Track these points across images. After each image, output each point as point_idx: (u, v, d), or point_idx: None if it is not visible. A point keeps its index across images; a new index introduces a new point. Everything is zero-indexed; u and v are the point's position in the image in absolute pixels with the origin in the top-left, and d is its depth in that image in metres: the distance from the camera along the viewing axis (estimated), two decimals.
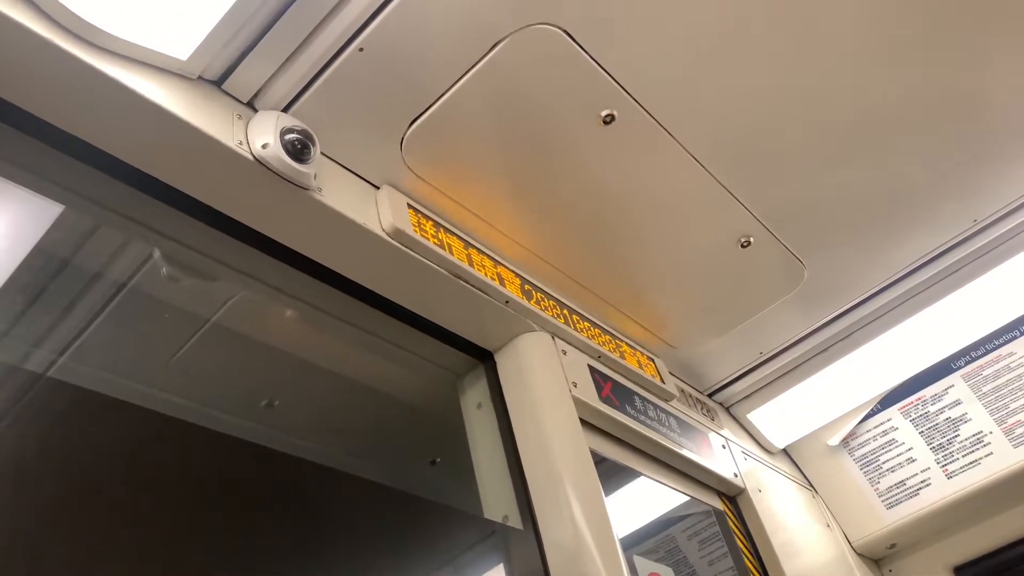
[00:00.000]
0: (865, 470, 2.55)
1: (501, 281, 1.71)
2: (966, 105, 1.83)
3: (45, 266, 1.44)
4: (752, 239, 1.95)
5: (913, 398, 2.54)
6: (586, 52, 1.47)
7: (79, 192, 1.30)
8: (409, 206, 1.59)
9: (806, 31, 1.57)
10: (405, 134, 1.52)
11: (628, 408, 1.88)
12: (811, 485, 2.63)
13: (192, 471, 1.16)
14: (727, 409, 2.55)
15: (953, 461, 2.41)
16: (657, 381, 2.07)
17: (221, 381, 1.75)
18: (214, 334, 1.61)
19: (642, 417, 1.91)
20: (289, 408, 1.81)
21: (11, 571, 0.87)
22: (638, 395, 1.98)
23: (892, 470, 2.50)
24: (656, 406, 2.02)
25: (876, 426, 2.58)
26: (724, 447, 2.25)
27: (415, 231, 1.54)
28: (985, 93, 1.82)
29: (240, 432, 1.28)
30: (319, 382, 1.82)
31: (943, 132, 1.87)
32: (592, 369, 1.86)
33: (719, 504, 2.12)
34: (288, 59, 1.37)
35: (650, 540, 2.25)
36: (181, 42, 1.24)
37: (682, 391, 2.32)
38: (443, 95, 1.47)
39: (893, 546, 2.51)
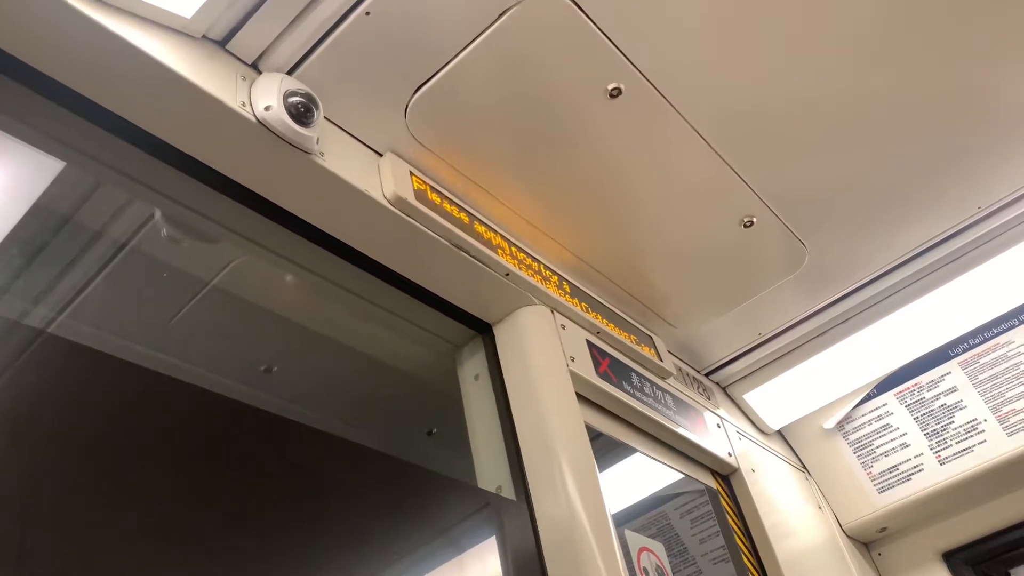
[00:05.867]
0: (859, 454, 2.56)
1: (502, 253, 1.71)
2: (973, 93, 1.82)
3: (45, 223, 1.43)
4: (755, 219, 1.94)
5: (909, 384, 2.55)
6: (594, 23, 1.46)
7: (80, 149, 1.29)
8: (412, 174, 1.58)
9: (818, 16, 1.56)
10: (410, 101, 1.51)
11: (625, 384, 1.88)
12: (804, 467, 2.64)
13: (188, 432, 1.16)
14: (724, 389, 2.56)
15: (946, 448, 2.42)
16: (655, 359, 2.07)
17: (220, 344, 1.76)
18: (214, 297, 1.61)
19: (639, 394, 1.91)
20: (287, 374, 1.82)
21: (6, 525, 0.88)
22: (635, 372, 1.98)
23: (885, 455, 2.51)
24: (653, 383, 2.03)
25: (871, 410, 2.58)
26: (719, 426, 2.26)
27: (417, 200, 1.54)
28: (992, 82, 1.81)
29: (238, 395, 1.28)
30: (318, 349, 1.83)
31: (950, 119, 1.86)
32: (590, 344, 1.86)
33: (712, 483, 2.14)
34: (294, 21, 1.36)
35: (643, 516, 2.26)
36: None
37: (679, 369, 2.32)
38: (449, 63, 1.46)
39: (884, 530, 2.53)
